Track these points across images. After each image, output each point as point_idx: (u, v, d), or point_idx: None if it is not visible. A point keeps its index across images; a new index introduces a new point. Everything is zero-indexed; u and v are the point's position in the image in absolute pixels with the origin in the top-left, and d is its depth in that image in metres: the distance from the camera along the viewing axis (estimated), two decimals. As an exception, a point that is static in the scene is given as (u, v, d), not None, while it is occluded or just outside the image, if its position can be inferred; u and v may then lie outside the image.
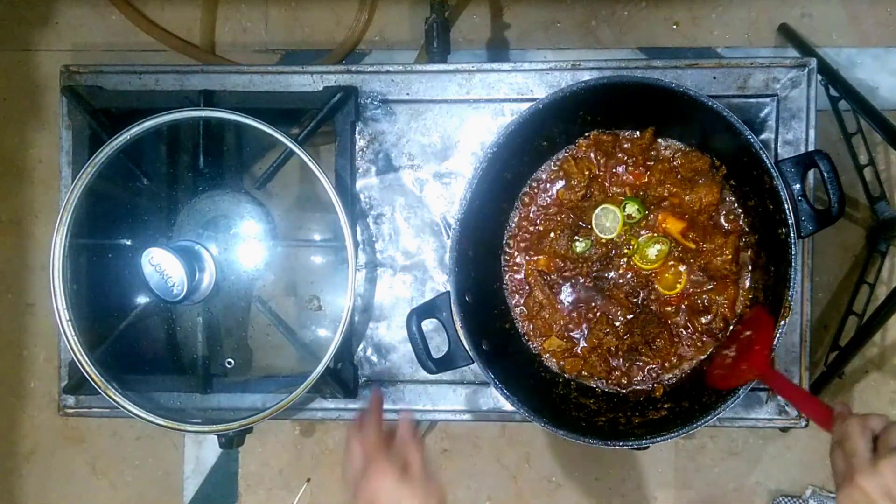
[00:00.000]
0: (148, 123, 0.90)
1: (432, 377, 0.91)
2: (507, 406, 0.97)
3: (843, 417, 0.67)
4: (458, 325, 0.83)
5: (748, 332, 0.87)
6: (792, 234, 0.78)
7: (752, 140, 0.79)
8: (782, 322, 0.80)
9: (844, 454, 0.64)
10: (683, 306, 0.93)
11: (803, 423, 0.94)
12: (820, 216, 0.80)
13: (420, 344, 0.84)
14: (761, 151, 0.79)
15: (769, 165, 0.79)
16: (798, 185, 0.80)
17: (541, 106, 0.83)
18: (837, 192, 0.80)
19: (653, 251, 0.92)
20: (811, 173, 0.84)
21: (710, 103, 0.80)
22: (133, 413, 0.91)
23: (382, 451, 0.75)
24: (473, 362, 0.83)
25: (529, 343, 0.96)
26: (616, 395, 0.94)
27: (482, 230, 0.91)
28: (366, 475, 0.73)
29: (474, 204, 0.85)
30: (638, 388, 0.94)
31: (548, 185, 0.96)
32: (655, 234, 0.93)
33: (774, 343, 0.80)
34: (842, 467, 0.64)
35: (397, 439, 0.77)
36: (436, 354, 0.85)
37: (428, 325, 0.87)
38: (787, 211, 0.78)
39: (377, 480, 0.73)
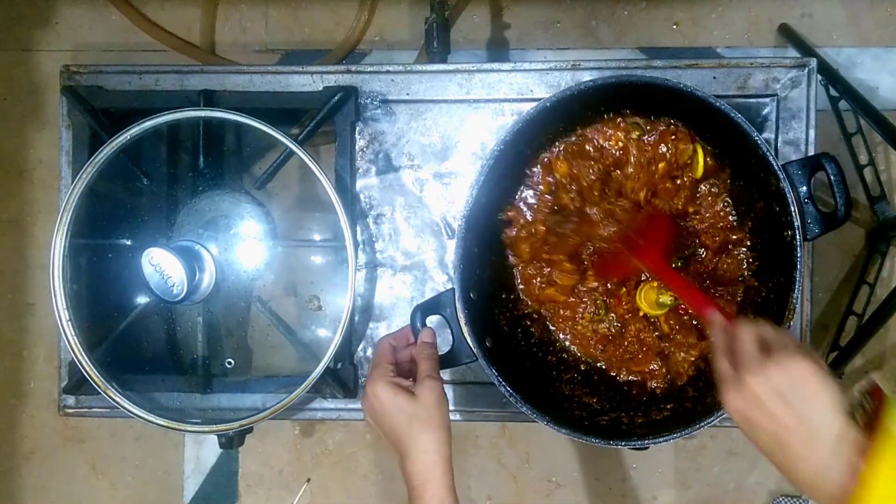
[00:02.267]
0: (148, 123, 0.90)
1: (432, 377, 0.90)
2: (508, 406, 0.98)
3: (730, 322, 0.68)
4: (462, 321, 0.83)
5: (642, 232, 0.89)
6: (798, 237, 0.78)
7: (759, 142, 0.79)
8: (786, 325, 0.80)
9: (733, 355, 0.64)
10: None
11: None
12: (826, 219, 0.80)
13: (434, 332, 0.83)
14: (769, 153, 0.79)
15: (776, 167, 0.79)
16: (805, 188, 0.80)
17: (548, 104, 0.83)
18: (844, 196, 0.80)
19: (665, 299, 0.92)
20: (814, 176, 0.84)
21: (717, 104, 0.80)
22: (133, 413, 0.91)
23: (386, 358, 0.78)
24: (477, 359, 0.82)
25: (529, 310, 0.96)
26: (619, 391, 0.94)
27: (487, 227, 0.91)
28: (368, 380, 0.76)
29: (480, 201, 0.85)
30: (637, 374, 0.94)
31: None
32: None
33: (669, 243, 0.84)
34: (727, 368, 0.64)
35: (412, 348, 0.80)
36: (440, 351, 0.84)
37: (430, 321, 0.87)
38: (794, 213, 0.78)
39: (373, 385, 0.75)
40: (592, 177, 0.91)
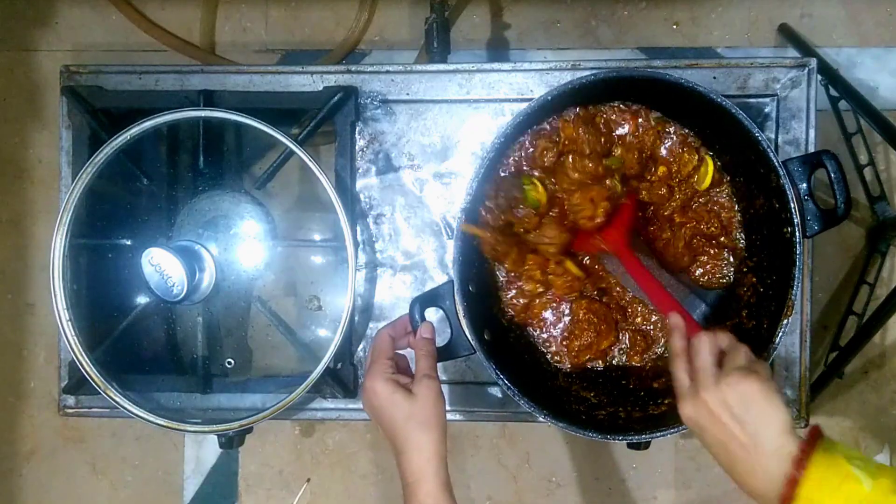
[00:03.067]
0: (148, 123, 0.90)
1: (432, 377, 0.90)
2: (508, 406, 0.98)
3: (690, 329, 0.75)
4: (460, 314, 0.83)
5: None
6: (797, 234, 0.78)
7: (760, 138, 0.79)
8: (784, 321, 0.80)
9: (692, 367, 0.70)
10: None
11: (802, 424, 0.95)
12: (825, 216, 0.80)
13: (433, 326, 0.83)
14: (769, 149, 0.79)
15: (776, 164, 0.79)
16: (804, 185, 0.80)
17: (549, 98, 0.83)
18: (844, 193, 0.80)
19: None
20: (814, 174, 0.84)
21: (718, 99, 0.80)
22: (133, 413, 0.91)
23: (385, 352, 0.78)
24: (475, 352, 0.83)
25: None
26: (616, 385, 0.94)
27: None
28: (367, 374, 0.77)
29: (480, 194, 0.85)
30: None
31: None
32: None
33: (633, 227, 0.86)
34: (683, 377, 0.71)
35: (411, 337, 0.81)
36: (438, 344, 0.84)
37: (430, 314, 0.87)
38: (794, 210, 0.78)
39: (371, 381, 0.76)
40: (595, 145, 0.90)
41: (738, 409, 0.65)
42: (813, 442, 0.63)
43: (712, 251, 0.93)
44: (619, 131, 0.92)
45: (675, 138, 0.92)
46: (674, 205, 0.92)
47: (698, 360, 0.70)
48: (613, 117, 0.92)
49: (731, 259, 0.93)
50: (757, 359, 0.69)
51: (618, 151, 0.91)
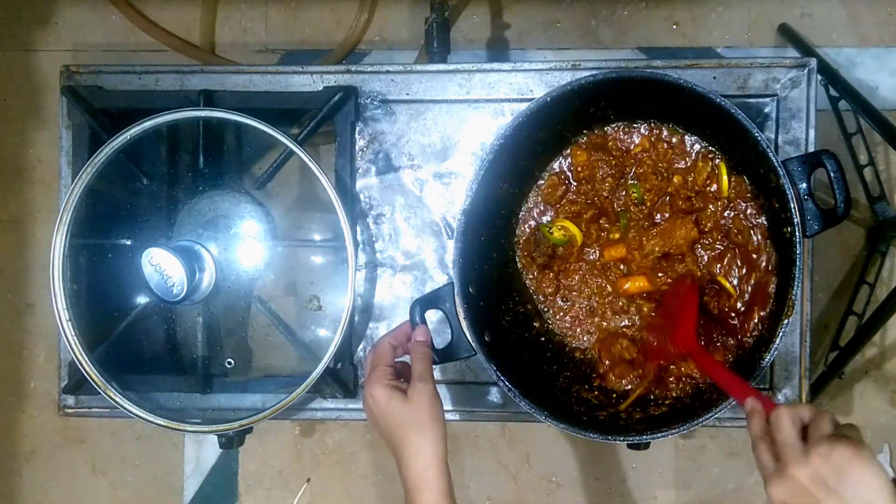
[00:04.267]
0: (148, 123, 0.90)
1: (432, 377, 0.90)
2: (508, 406, 0.98)
3: (767, 407, 0.68)
4: (461, 316, 0.83)
5: (672, 307, 0.89)
6: (797, 234, 0.78)
7: (759, 138, 0.79)
8: (785, 321, 0.80)
9: (775, 445, 0.64)
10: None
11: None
12: (825, 216, 0.80)
13: (428, 329, 0.83)
14: (769, 149, 0.79)
15: (776, 163, 0.79)
16: (804, 185, 0.80)
17: (548, 99, 0.83)
18: (844, 193, 0.80)
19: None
20: (814, 174, 0.84)
21: (718, 100, 0.80)
22: (133, 413, 0.91)
23: (385, 360, 0.78)
24: (476, 354, 0.82)
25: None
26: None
27: (488, 222, 0.91)
28: (366, 383, 0.77)
29: (480, 196, 0.85)
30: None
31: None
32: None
33: (699, 320, 0.84)
34: (768, 458, 0.65)
35: (408, 346, 0.81)
36: (438, 345, 0.84)
37: (431, 315, 0.87)
38: (794, 210, 0.78)
39: (370, 388, 0.76)
40: (608, 171, 0.91)
41: (832, 479, 0.59)
42: None
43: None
44: (632, 150, 0.93)
45: (686, 147, 0.92)
46: (711, 220, 0.92)
47: (781, 435, 0.64)
48: (622, 136, 0.93)
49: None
50: (844, 424, 0.64)
51: (631, 171, 0.93)
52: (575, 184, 0.95)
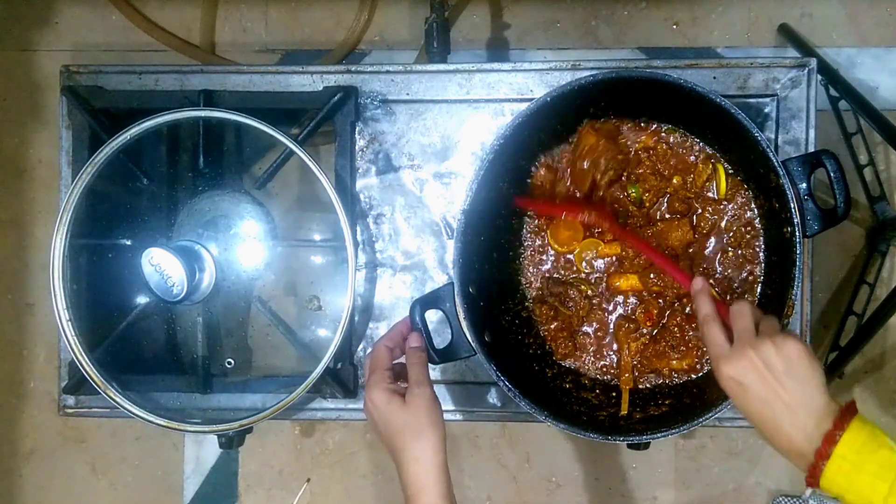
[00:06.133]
0: (148, 123, 0.90)
1: (432, 377, 0.90)
2: (508, 406, 0.98)
3: (706, 292, 0.77)
4: (461, 316, 0.83)
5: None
6: (797, 234, 0.78)
7: (759, 138, 0.79)
8: (785, 321, 0.80)
9: (731, 329, 0.72)
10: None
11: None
12: (825, 216, 0.80)
13: (423, 334, 0.83)
14: (769, 149, 0.79)
15: (776, 163, 0.79)
16: (804, 185, 0.80)
17: (549, 99, 0.83)
18: (844, 193, 0.80)
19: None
20: (814, 174, 0.84)
21: (718, 100, 0.80)
22: (133, 413, 0.91)
23: (382, 363, 0.78)
24: (476, 354, 0.82)
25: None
26: (617, 386, 0.94)
27: (489, 222, 0.91)
28: (366, 387, 0.77)
29: (480, 196, 0.85)
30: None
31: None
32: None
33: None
34: (721, 337, 0.72)
35: (404, 350, 0.81)
36: (438, 345, 0.85)
37: (431, 315, 0.87)
38: (794, 210, 0.78)
39: (368, 393, 0.76)
40: (612, 163, 0.91)
41: (783, 368, 0.67)
42: (853, 408, 0.66)
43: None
44: (637, 148, 0.93)
45: (686, 148, 0.92)
46: (708, 225, 0.92)
47: (741, 321, 0.71)
48: (630, 134, 0.93)
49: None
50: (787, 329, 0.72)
51: (634, 169, 0.93)
52: (568, 170, 0.94)
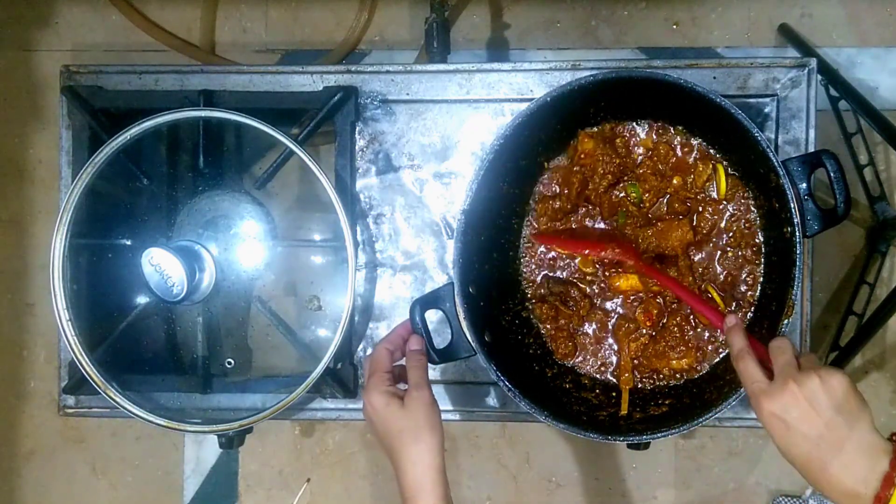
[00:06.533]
0: (148, 123, 0.90)
1: (431, 377, 0.90)
2: (508, 406, 0.98)
3: (739, 328, 0.75)
4: (461, 316, 0.83)
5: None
6: (798, 234, 0.78)
7: (759, 138, 0.79)
8: (785, 321, 0.80)
9: (772, 365, 0.69)
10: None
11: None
12: (825, 216, 0.80)
13: (423, 334, 0.83)
14: (769, 149, 0.79)
15: (776, 163, 0.79)
16: (804, 185, 0.80)
17: (549, 99, 0.83)
18: (844, 193, 0.80)
19: None
20: (814, 174, 0.84)
21: (718, 100, 0.80)
22: (133, 413, 0.91)
23: (382, 366, 0.78)
24: (476, 354, 0.83)
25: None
26: (617, 386, 0.94)
27: (489, 222, 0.91)
28: (364, 390, 0.77)
29: (480, 196, 0.85)
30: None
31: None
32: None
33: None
34: (758, 373, 0.70)
35: (404, 353, 0.81)
36: (438, 345, 0.85)
37: (430, 315, 0.87)
38: (794, 210, 0.78)
39: (367, 395, 0.76)
40: (609, 167, 0.91)
41: (830, 403, 0.63)
42: None
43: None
44: (637, 150, 0.93)
45: (686, 148, 0.92)
46: (708, 224, 0.93)
47: (783, 357, 0.69)
48: (627, 136, 0.93)
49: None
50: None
51: (638, 170, 0.93)
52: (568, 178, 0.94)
